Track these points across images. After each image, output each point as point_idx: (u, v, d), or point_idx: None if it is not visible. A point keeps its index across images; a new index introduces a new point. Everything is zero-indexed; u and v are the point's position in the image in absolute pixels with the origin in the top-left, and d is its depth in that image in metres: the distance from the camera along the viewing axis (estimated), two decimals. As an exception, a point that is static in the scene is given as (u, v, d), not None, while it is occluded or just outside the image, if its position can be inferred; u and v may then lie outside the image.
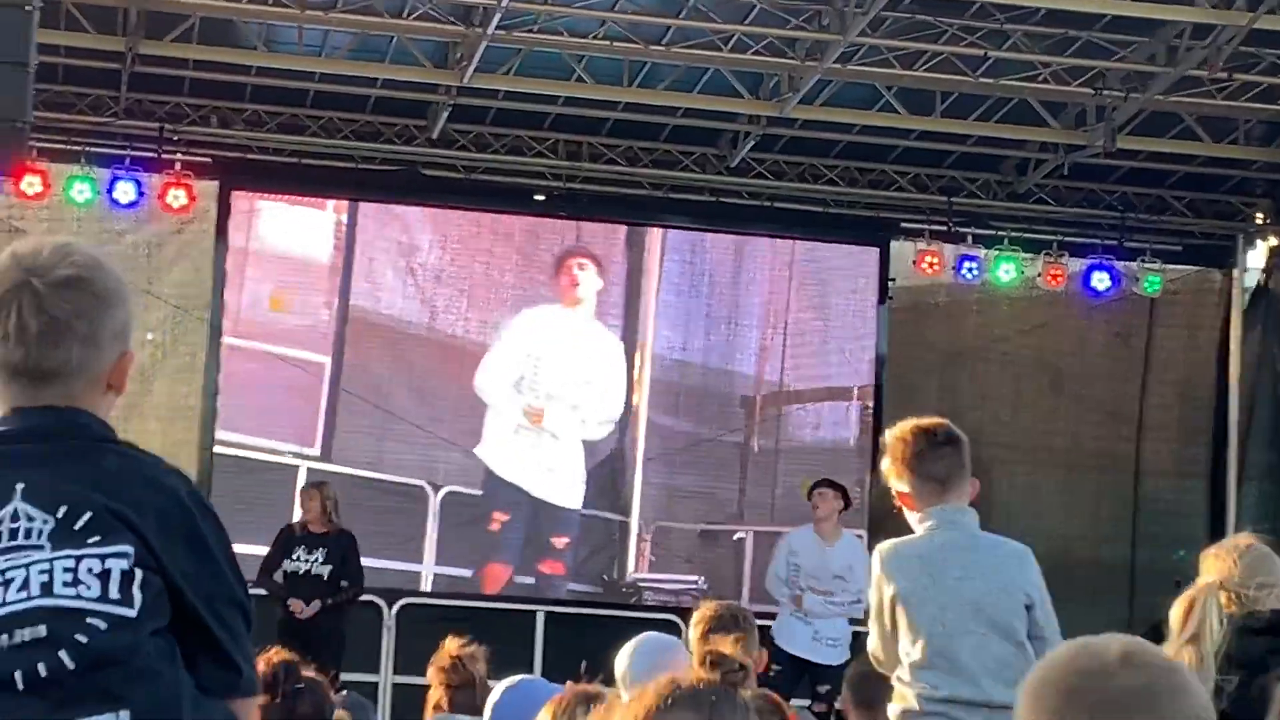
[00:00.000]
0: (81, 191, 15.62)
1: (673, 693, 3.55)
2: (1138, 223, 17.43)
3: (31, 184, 15.34)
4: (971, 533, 5.69)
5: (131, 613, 2.83)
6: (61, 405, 2.97)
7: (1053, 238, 17.39)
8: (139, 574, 2.84)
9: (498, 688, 5.97)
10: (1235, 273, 17.81)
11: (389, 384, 16.38)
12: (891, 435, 5.81)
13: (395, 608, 15.41)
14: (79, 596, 2.81)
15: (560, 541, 16.46)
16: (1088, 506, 17.96)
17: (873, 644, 5.74)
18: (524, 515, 16.37)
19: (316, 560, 13.40)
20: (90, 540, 2.84)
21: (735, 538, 16.91)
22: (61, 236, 3.10)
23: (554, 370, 16.43)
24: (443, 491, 16.23)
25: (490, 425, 16.34)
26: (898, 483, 5.75)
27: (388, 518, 16.04)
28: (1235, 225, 17.73)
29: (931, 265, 17.01)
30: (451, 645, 6.76)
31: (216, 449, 15.59)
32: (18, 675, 2.78)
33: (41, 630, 2.79)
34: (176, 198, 15.71)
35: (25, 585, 2.82)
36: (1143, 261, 17.36)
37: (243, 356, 15.96)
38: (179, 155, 15.98)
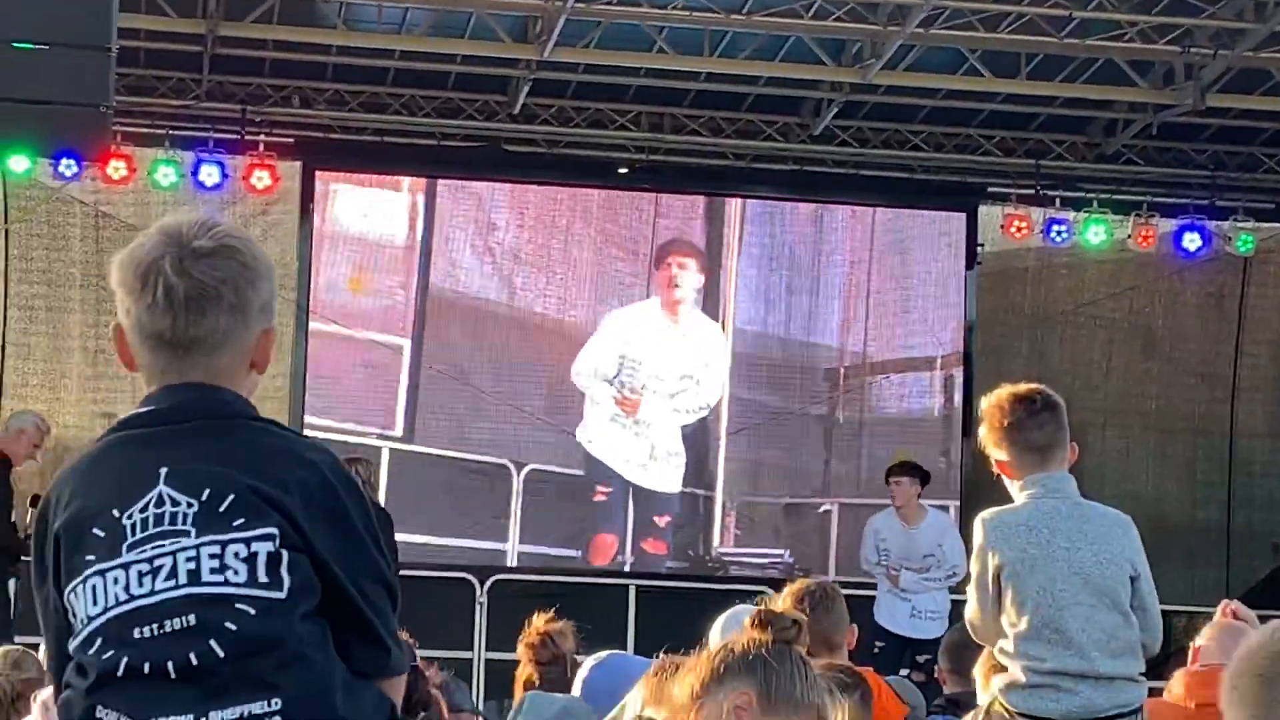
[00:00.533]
0: (166, 175, 15.68)
1: (725, 659, 3.55)
2: (1229, 181, 17.24)
3: (117, 169, 15.42)
4: (1076, 500, 5.62)
5: (281, 595, 2.82)
6: (207, 383, 2.95)
7: (1142, 199, 17.22)
8: (285, 555, 2.83)
9: (587, 663, 5.96)
10: (1328, 229, 17.60)
11: (469, 363, 16.39)
12: (988, 403, 5.74)
13: (487, 584, 15.42)
14: (226, 583, 2.81)
15: (663, 520, 16.46)
16: (1182, 469, 17.81)
17: (971, 612, 5.67)
18: (620, 498, 16.37)
19: None
20: (235, 523, 2.83)
21: (821, 511, 16.83)
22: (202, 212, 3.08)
23: (650, 369, 16.37)
24: (526, 469, 16.23)
25: (589, 412, 16.35)
26: (996, 451, 5.69)
27: (471, 496, 16.10)
28: (1329, 181, 17.51)
29: (1020, 229, 16.85)
30: (539, 622, 6.77)
31: (305, 432, 15.60)
32: (170, 665, 2.78)
33: (191, 619, 2.79)
34: (260, 179, 15.76)
35: (173, 573, 2.81)
36: (1235, 220, 17.16)
37: (322, 340, 15.99)
38: (262, 136, 16.03)
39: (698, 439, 16.62)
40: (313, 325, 15.93)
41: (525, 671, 6.66)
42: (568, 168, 16.80)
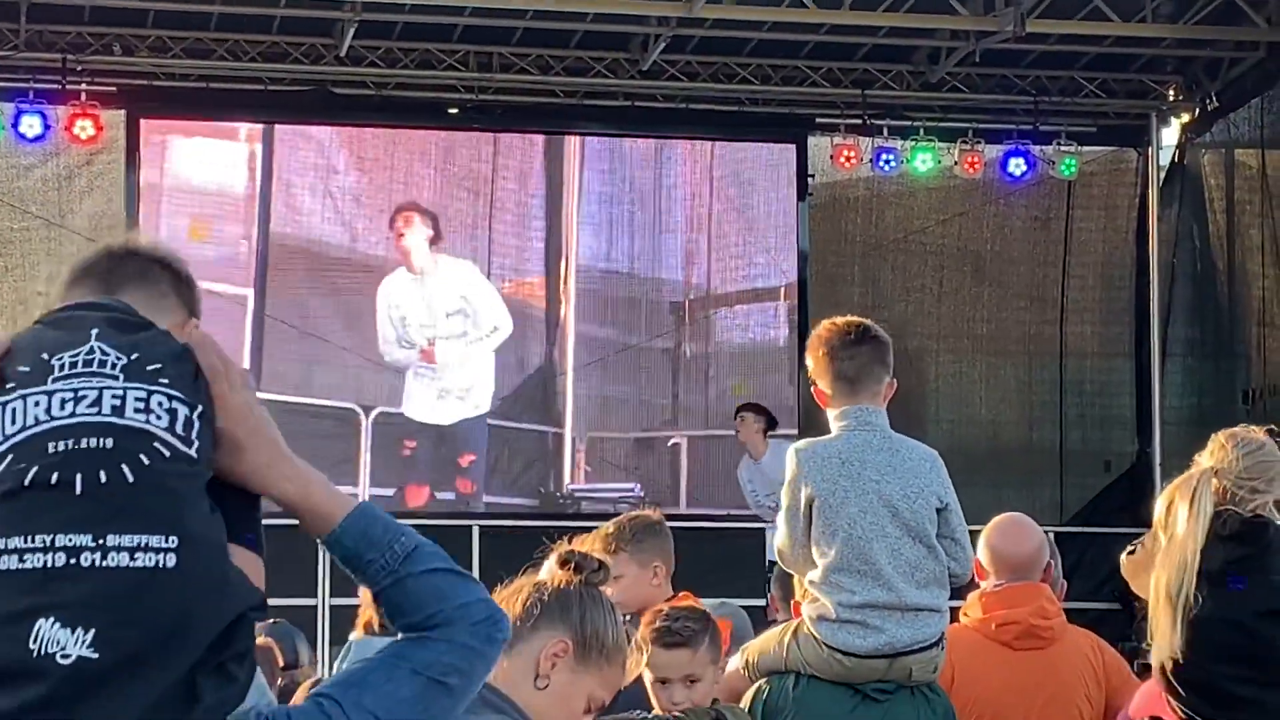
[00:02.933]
0: (-14, 127, 15.41)
1: (539, 599, 3.51)
2: (1051, 106, 17.46)
3: (-65, 122, 15.14)
4: (886, 434, 5.72)
5: (193, 453, 2.86)
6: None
7: (968, 125, 17.41)
8: (198, 424, 2.88)
9: None
10: (1150, 151, 17.89)
11: (314, 309, 16.32)
12: (813, 333, 5.85)
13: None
14: (149, 423, 2.84)
15: (466, 459, 16.51)
16: (1015, 391, 18.09)
17: (780, 540, 5.76)
18: (430, 442, 16.44)
19: None
20: (161, 380, 2.88)
21: (670, 444, 16.97)
22: None
23: (418, 319, 16.42)
24: (374, 413, 16.22)
25: (406, 382, 16.44)
26: (817, 380, 5.79)
27: (321, 442, 16.04)
28: (1148, 104, 17.79)
29: (848, 159, 17.01)
30: None
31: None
32: (78, 478, 2.77)
33: (109, 442, 2.80)
34: (84, 129, 15.52)
35: (97, 403, 2.84)
36: (1058, 144, 17.40)
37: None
38: (84, 85, 15.78)
39: (544, 375, 16.70)
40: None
41: (366, 614, 6.62)
42: (398, 109, 16.73)
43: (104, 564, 2.74)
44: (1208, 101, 17.38)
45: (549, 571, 3.71)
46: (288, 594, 13.13)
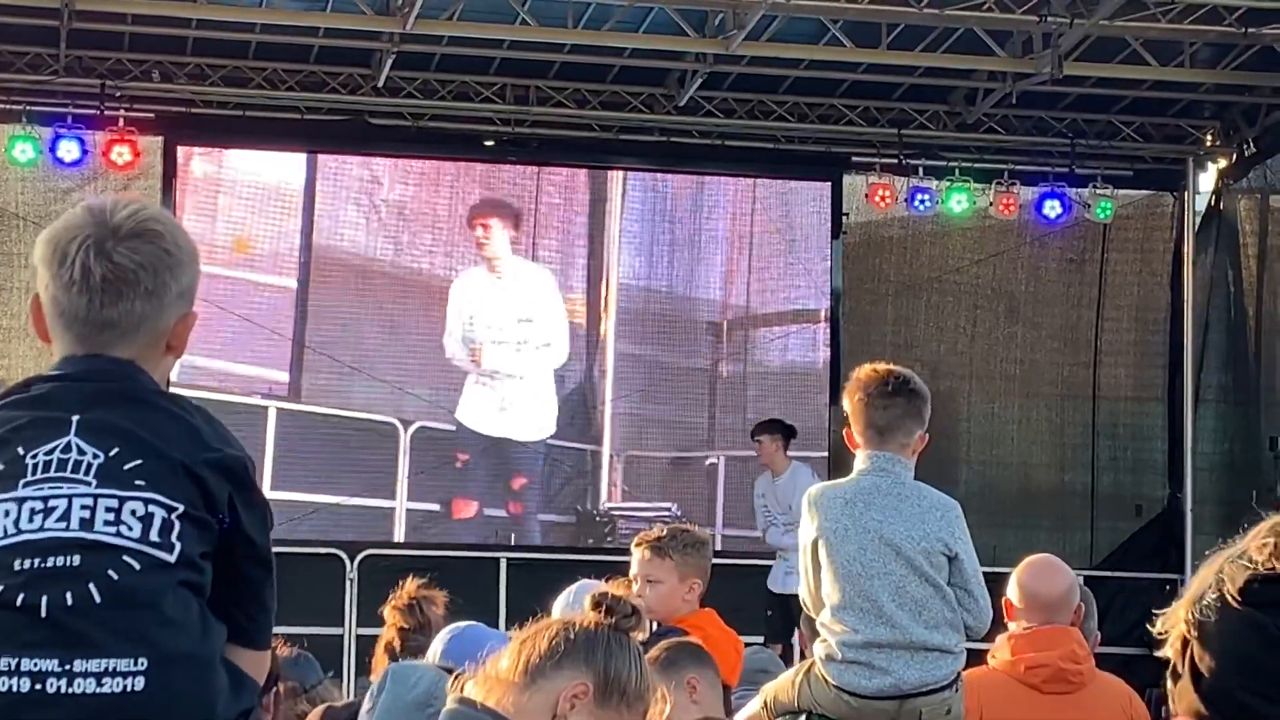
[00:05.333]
0: (24, 151, 15.47)
1: (565, 640, 3.48)
2: (1088, 149, 17.43)
3: (-28, 145, 15.21)
4: (900, 480, 5.70)
5: (170, 558, 2.80)
6: (120, 357, 2.95)
7: (1004, 167, 17.40)
8: (179, 525, 2.82)
9: (442, 634, 5.91)
10: (1186, 196, 17.84)
11: (356, 321, 16.41)
12: (853, 375, 5.86)
13: (358, 559, 15.37)
14: (118, 535, 2.79)
15: (518, 483, 16.56)
16: (1047, 433, 18.02)
17: (800, 588, 5.79)
18: (484, 455, 16.48)
19: None
20: (136, 483, 2.82)
21: (707, 464, 17.02)
22: (131, 195, 3.08)
23: (485, 321, 16.50)
24: (413, 427, 16.27)
25: (464, 384, 16.52)
26: (851, 423, 5.81)
27: (360, 455, 16.13)
28: (1185, 149, 17.74)
29: (884, 199, 17.00)
30: (411, 586, 6.69)
31: (180, 392, 15.40)
32: (45, 601, 2.74)
33: (76, 559, 2.76)
34: (121, 154, 15.58)
35: (66, 516, 2.79)
36: (1094, 187, 17.37)
37: (208, 306, 15.88)
38: (122, 111, 15.84)
39: (583, 393, 16.77)
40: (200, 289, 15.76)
41: (389, 635, 6.57)
42: (435, 140, 16.78)
43: (70, 690, 2.71)
44: (1245, 147, 17.34)
45: (574, 601, 3.69)
46: (315, 623, 13.13)
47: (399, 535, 16.17)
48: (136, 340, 2.97)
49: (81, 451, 2.83)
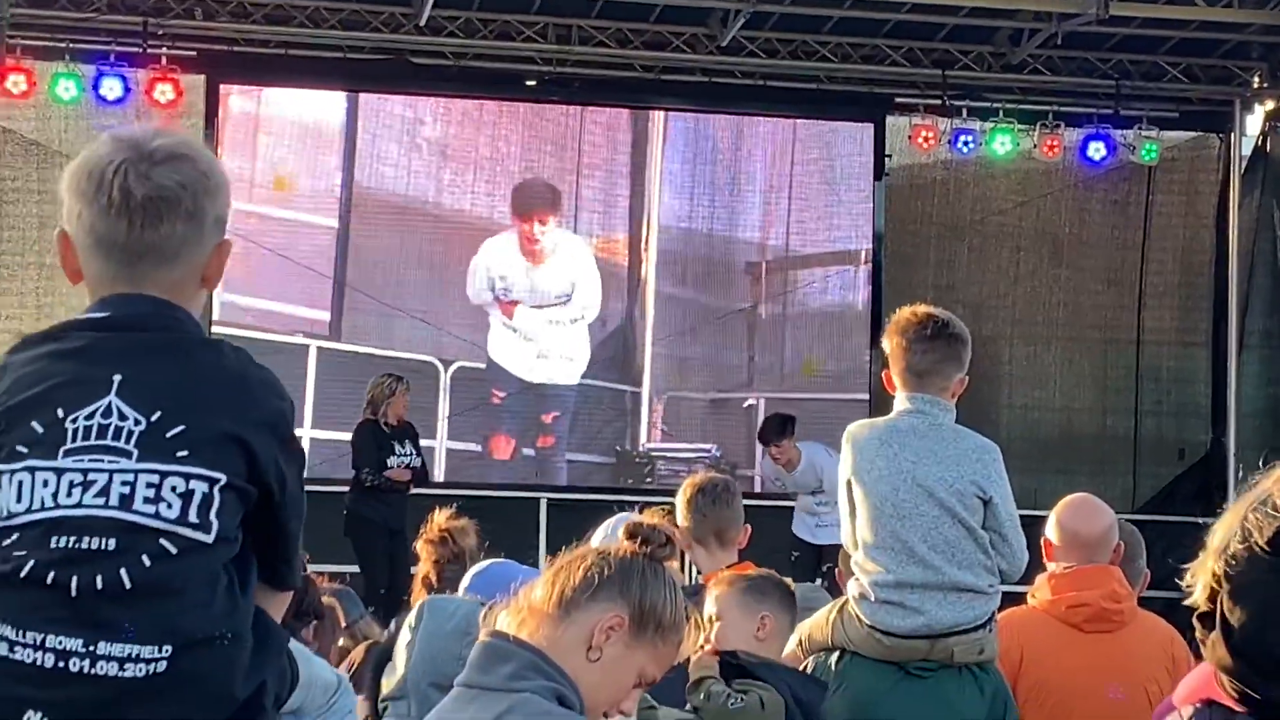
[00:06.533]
0: (67, 89, 15.47)
1: (599, 571, 3.47)
2: (1133, 90, 17.30)
3: (16, 83, 15.22)
4: (936, 422, 5.66)
5: (207, 539, 2.79)
6: (160, 298, 2.89)
7: (1048, 108, 17.28)
8: (219, 499, 2.80)
9: (470, 572, 5.92)
10: (1233, 137, 17.71)
11: (397, 261, 16.42)
12: (893, 318, 5.83)
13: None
14: (157, 515, 2.77)
15: (549, 417, 16.60)
16: (1089, 377, 17.97)
17: (842, 528, 5.77)
18: (519, 394, 16.54)
19: (412, 454, 13.53)
20: (179, 454, 2.79)
21: (745, 405, 17.02)
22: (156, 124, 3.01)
23: (520, 289, 16.58)
24: (453, 367, 16.30)
25: (491, 321, 16.56)
26: (890, 365, 5.78)
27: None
28: (1232, 90, 17.60)
29: (926, 140, 16.91)
30: (440, 519, 6.70)
31: (222, 331, 15.43)
32: (74, 581, 2.73)
33: (111, 542, 2.75)
34: (163, 93, 15.58)
35: (105, 492, 2.76)
36: (1139, 129, 17.25)
37: (248, 244, 15.94)
38: (164, 49, 15.84)
39: (623, 335, 16.81)
40: (240, 227, 15.86)
41: (424, 569, 6.59)
42: (476, 80, 16.73)
43: (92, 671, 2.72)
44: (1293, 88, 17.21)
45: (612, 537, 3.68)
46: (356, 561, 13.18)
47: (439, 475, 16.19)
48: (176, 269, 2.90)
49: (123, 416, 2.79)
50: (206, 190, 2.92)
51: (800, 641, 5.74)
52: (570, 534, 4.47)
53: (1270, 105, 17.52)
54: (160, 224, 2.87)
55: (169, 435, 2.79)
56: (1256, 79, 17.50)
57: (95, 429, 2.78)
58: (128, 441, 2.78)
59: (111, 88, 15.53)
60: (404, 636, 5.38)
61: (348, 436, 14.96)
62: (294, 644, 3.32)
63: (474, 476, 16.10)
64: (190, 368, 2.86)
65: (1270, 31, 16.49)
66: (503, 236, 16.64)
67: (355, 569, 12.95)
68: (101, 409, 2.79)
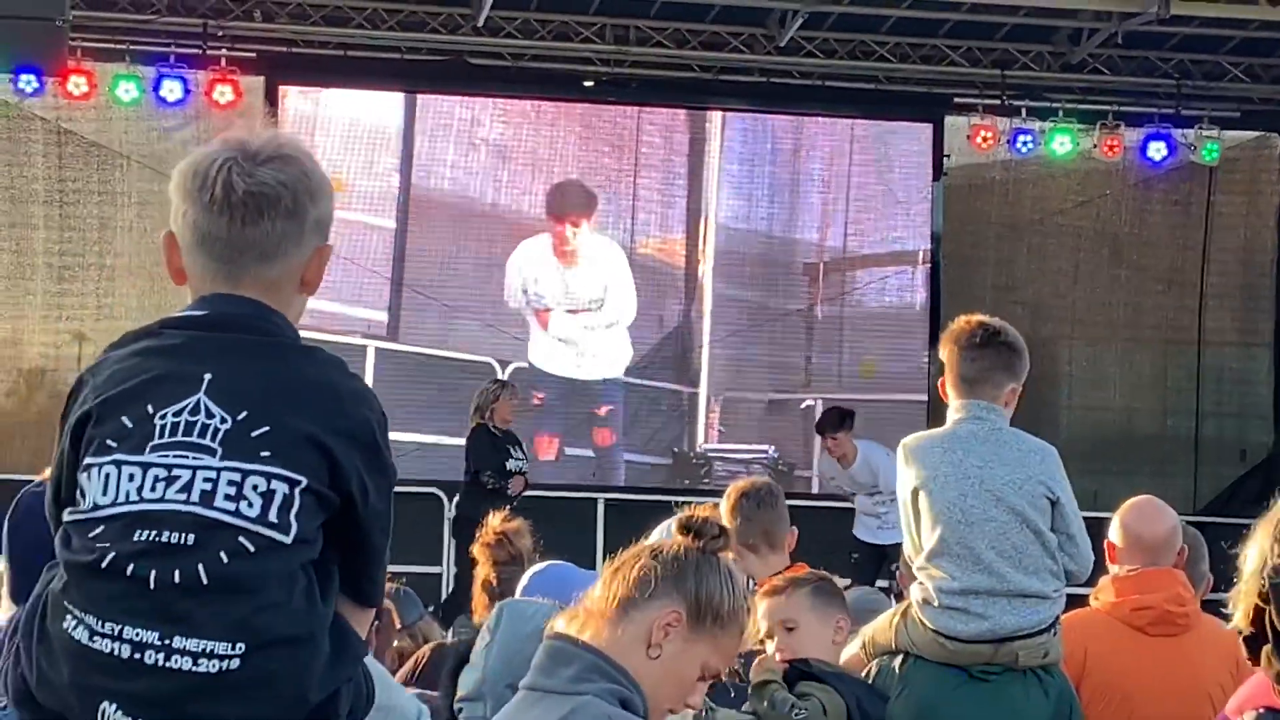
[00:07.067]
0: (128, 90, 15.57)
1: (654, 568, 3.46)
2: (1194, 90, 17.21)
3: (78, 84, 15.31)
4: (995, 427, 5.68)
5: (286, 539, 2.81)
6: (259, 300, 2.92)
7: (1108, 108, 17.19)
8: (299, 500, 2.82)
9: (528, 572, 5.93)
10: (1294, 138, 17.62)
11: (453, 261, 16.46)
12: (949, 326, 5.86)
13: (455, 498, 15.42)
14: (237, 513, 2.79)
15: (604, 409, 16.64)
16: (1150, 378, 17.88)
17: (904, 542, 5.77)
18: (561, 395, 16.59)
19: (523, 459, 13.65)
20: (263, 454, 2.81)
21: (803, 406, 16.99)
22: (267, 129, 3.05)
23: (552, 295, 16.62)
24: (511, 367, 16.33)
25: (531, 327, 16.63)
26: (946, 374, 5.80)
27: (457, 395, 16.20)
28: (1294, 90, 17.50)
29: (985, 140, 16.86)
30: (495, 522, 6.72)
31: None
32: (153, 574, 2.76)
33: (190, 538, 2.77)
34: (223, 94, 15.66)
35: (188, 488, 2.80)
36: (1200, 129, 17.15)
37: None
38: (224, 51, 15.91)
39: (682, 335, 16.84)
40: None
41: (484, 571, 6.61)
42: (534, 80, 16.76)
43: (166, 664, 2.75)
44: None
45: (669, 536, 3.67)
46: (414, 561, 13.21)
47: (487, 476, 16.23)
48: (274, 267, 2.94)
49: (210, 414, 2.82)
50: (308, 190, 2.96)
51: (864, 645, 5.74)
52: (628, 534, 4.46)
53: (1333, 104, 17.41)
54: (261, 220, 2.91)
55: (253, 435, 2.82)
56: (1319, 78, 17.40)
57: (183, 426, 2.82)
58: (213, 439, 2.81)
59: (171, 89, 15.62)
60: (482, 638, 5.38)
61: (405, 437, 15.02)
62: (377, 667, 3.33)
63: (531, 476, 16.10)
64: (281, 371, 2.89)
65: (1333, 30, 16.37)
66: (536, 239, 16.66)
67: (413, 569, 12.98)
68: (190, 406, 2.83)
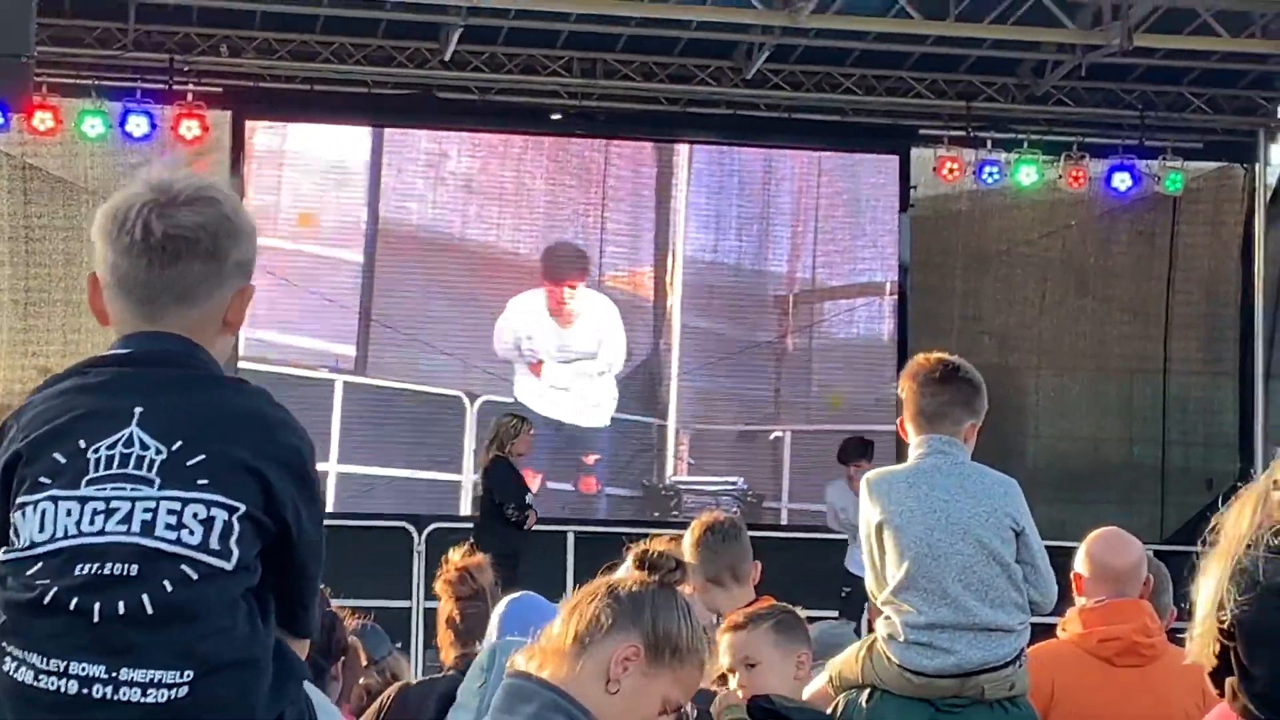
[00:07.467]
0: (93, 126, 15.55)
1: (611, 604, 3.47)
2: (1158, 121, 17.30)
3: (43, 120, 15.29)
4: (957, 461, 5.71)
5: (228, 566, 2.81)
6: (183, 335, 2.93)
7: (1073, 139, 17.28)
8: (239, 528, 2.82)
9: (503, 601, 5.92)
10: (1257, 168, 17.70)
11: (421, 294, 16.46)
12: (908, 364, 5.91)
13: (425, 532, 15.40)
14: (179, 541, 2.79)
15: (591, 458, 16.62)
16: (1116, 407, 17.93)
17: (866, 577, 5.78)
18: (549, 432, 16.47)
19: (531, 493, 13.89)
20: (200, 482, 2.82)
21: (772, 437, 17.00)
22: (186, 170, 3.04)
23: (546, 350, 16.66)
24: (479, 401, 16.32)
25: (516, 370, 16.62)
26: (904, 411, 5.84)
27: (425, 428, 16.19)
28: (1256, 120, 17.60)
29: (952, 171, 16.93)
30: (456, 557, 6.69)
31: (248, 367, 15.45)
32: (97, 607, 2.76)
33: (134, 569, 2.77)
34: (189, 129, 15.64)
35: (127, 519, 2.79)
36: (1164, 160, 17.25)
37: (271, 281, 16.01)
38: (190, 86, 15.91)
39: (650, 367, 16.83)
40: (266, 263, 15.93)
41: (447, 608, 6.59)
42: (502, 114, 16.78)
43: (115, 698, 2.74)
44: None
45: (626, 572, 3.68)
46: (382, 595, 13.16)
47: (465, 509, 16.20)
48: (195, 308, 2.94)
49: (144, 446, 2.82)
50: (229, 232, 2.96)
51: (831, 679, 5.75)
52: (598, 567, 4.47)
53: (1295, 135, 17.52)
54: (178, 262, 2.92)
55: (189, 464, 2.82)
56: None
57: (117, 458, 2.82)
58: (150, 470, 2.81)
59: (138, 124, 15.60)
60: (475, 678, 5.37)
61: (374, 471, 14.97)
62: (318, 696, 3.33)
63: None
64: (211, 402, 2.89)
65: (1295, 61, 16.48)
66: (530, 296, 16.66)
67: (382, 603, 12.94)
68: (123, 439, 2.83)
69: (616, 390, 16.74)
